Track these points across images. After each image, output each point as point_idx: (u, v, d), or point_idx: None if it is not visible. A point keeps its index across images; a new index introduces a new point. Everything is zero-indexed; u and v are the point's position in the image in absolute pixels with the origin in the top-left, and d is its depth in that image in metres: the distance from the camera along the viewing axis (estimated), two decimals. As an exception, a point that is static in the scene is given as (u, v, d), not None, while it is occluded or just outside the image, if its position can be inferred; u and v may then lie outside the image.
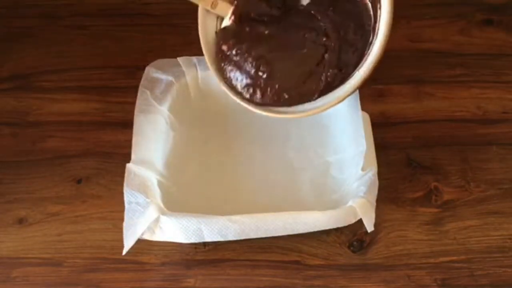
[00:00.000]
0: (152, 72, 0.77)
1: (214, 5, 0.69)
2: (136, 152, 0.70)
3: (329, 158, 0.76)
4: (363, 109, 0.77)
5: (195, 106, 0.79)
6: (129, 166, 0.68)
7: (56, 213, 0.72)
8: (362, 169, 0.69)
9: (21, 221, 0.71)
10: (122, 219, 0.69)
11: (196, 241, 0.66)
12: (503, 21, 0.91)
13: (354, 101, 0.72)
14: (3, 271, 0.68)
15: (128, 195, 0.67)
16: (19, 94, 0.82)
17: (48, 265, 0.68)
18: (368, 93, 0.82)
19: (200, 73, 0.77)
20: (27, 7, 0.91)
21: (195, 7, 0.68)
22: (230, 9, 0.69)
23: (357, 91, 0.69)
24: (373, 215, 0.67)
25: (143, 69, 0.78)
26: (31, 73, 0.84)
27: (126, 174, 0.68)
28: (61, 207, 0.72)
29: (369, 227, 0.66)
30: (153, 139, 0.71)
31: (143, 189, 0.67)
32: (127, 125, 0.77)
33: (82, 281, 0.68)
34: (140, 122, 0.72)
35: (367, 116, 0.77)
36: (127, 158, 0.74)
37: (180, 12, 0.88)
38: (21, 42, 0.87)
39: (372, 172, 0.69)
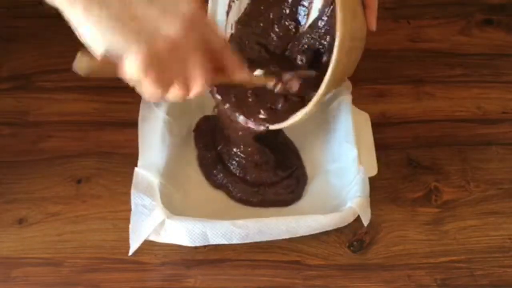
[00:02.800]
0: None
1: None
2: (142, 158, 0.71)
3: (328, 166, 0.76)
4: (363, 109, 0.77)
5: (196, 110, 0.79)
6: (137, 170, 0.69)
7: (56, 213, 0.72)
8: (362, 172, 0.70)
9: (21, 221, 0.71)
10: (122, 219, 0.69)
11: (201, 244, 0.66)
12: (503, 21, 0.91)
13: (346, 110, 0.73)
14: (3, 271, 0.68)
15: (135, 198, 0.67)
16: (19, 94, 0.82)
17: (48, 265, 0.68)
18: (368, 93, 0.82)
19: None
20: (27, 7, 0.90)
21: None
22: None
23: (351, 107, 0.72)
24: (369, 210, 0.69)
25: (143, 69, 0.78)
26: (31, 73, 0.84)
27: (134, 177, 0.69)
28: (61, 207, 0.72)
29: (366, 222, 0.68)
30: (157, 145, 0.72)
31: (150, 192, 0.68)
32: (127, 125, 0.77)
33: (82, 281, 0.67)
34: (144, 129, 0.73)
35: (367, 116, 0.77)
36: (127, 158, 0.74)
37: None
38: (21, 42, 0.87)
39: (362, 171, 0.70)
